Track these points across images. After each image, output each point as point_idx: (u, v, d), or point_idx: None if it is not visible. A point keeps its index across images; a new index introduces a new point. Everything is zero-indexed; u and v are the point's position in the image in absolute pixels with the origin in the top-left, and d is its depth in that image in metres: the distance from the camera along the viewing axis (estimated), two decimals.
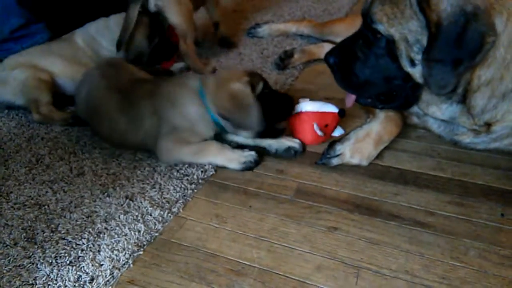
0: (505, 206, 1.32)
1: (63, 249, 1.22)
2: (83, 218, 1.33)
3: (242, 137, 1.61)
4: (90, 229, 1.28)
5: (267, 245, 1.22)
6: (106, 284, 1.12)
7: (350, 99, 1.50)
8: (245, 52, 2.45)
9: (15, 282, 1.13)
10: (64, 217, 1.34)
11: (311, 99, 1.65)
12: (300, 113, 1.60)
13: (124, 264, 1.17)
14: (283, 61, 2.23)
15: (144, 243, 1.24)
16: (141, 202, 1.38)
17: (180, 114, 1.52)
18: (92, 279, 1.13)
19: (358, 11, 1.37)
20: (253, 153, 1.52)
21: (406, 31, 1.19)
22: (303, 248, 1.21)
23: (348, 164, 1.50)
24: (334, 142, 1.51)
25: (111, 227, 1.29)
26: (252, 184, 1.46)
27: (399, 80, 1.32)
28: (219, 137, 1.60)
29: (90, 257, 1.19)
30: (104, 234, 1.26)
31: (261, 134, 1.55)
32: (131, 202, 1.38)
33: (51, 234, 1.28)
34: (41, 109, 1.85)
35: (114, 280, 1.13)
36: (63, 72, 1.97)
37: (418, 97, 1.36)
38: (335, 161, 1.49)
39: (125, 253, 1.20)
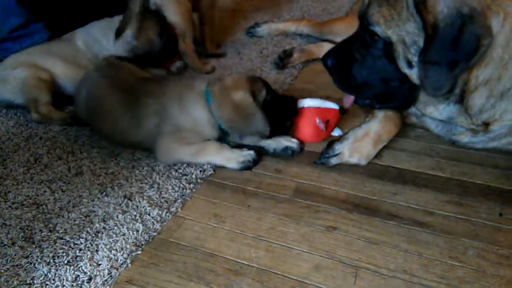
0: (503, 205, 1.32)
1: (61, 248, 1.22)
2: (81, 218, 1.32)
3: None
4: (88, 229, 1.28)
5: (266, 245, 1.22)
6: (104, 284, 1.12)
7: (349, 100, 1.50)
8: (245, 52, 2.45)
9: (12, 281, 1.13)
10: (62, 216, 1.34)
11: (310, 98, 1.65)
12: (302, 108, 1.62)
13: (122, 263, 1.17)
14: (283, 60, 2.23)
15: (143, 242, 1.24)
16: (139, 202, 1.38)
17: (186, 116, 1.52)
18: (90, 279, 1.13)
19: (357, 11, 1.36)
20: (251, 152, 1.52)
21: (403, 33, 1.19)
22: (302, 248, 1.21)
23: (347, 163, 1.50)
24: (332, 141, 1.51)
25: (109, 227, 1.28)
26: (251, 184, 1.46)
27: (396, 81, 1.32)
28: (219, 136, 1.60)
29: (88, 256, 1.19)
30: (102, 233, 1.26)
31: (267, 137, 1.56)
32: (129, 201, 1.38)
33: (49, 233, 1.27)
34: (40, 108, 1.85)
35: (112, 279, 1.13)
36: (63, 73, 1.97)
37: (416, 98, 1.36)
38: (333, 161, 1.49)
39: (123, 253, 1.20)
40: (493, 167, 1.47)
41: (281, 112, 1.57)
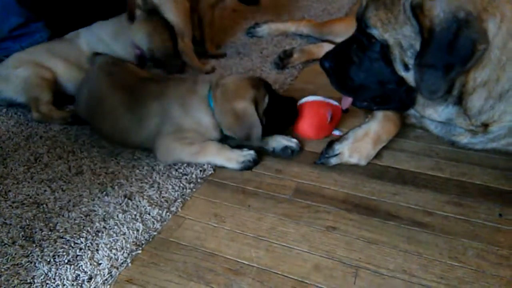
0: (503, 206, 1.32)
1: (61, 248, 1.22)
2: (81, 217, 1.33)
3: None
4: (89, 228, 1.28)
5: (266, 245, 1.23)
6: (104, 283, 1.12)
7: (347, 102, 1.51)
8: (245, 52, 2.45)
9: (13, 281, 1.13)
10: (63, 216, 1.34)
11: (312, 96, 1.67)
12: (306, 102, 1.64)
13: (122, 263, 1.17)
14: (283, 60, 2.23)
15: (143, 242, 1.24)
16: (139, 201, 1.38)
17: (190, 118, 1.52)
18: (90, 278, 1.13)
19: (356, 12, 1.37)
20: (252, 152, 1.52)
21: (400, 36, 1.19)
22: (302, 248, 1.21)
23: (346, 163, 1.50)
24: (332, 141, 1.52)
25: (110, 226, 1.28)
26: (251, 184, 1.46)
27: (393, 84, 1.33)
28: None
29: (89, 256, 1.19)
30: (103, 233, 1.26)
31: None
32: (129, 201, 1.38)
33: (49, 233, 1.27)
34: (41, 107, 1.85)
35: (113, 279, 1.13)
36: (65, 73, 1.98)
37: (415, 99, 1.37)
38: (333, 161, 1.50)
39: (124, 252, 1.20)
40: (493, 168, 1.48)
41: (283, 118, 1.58)
